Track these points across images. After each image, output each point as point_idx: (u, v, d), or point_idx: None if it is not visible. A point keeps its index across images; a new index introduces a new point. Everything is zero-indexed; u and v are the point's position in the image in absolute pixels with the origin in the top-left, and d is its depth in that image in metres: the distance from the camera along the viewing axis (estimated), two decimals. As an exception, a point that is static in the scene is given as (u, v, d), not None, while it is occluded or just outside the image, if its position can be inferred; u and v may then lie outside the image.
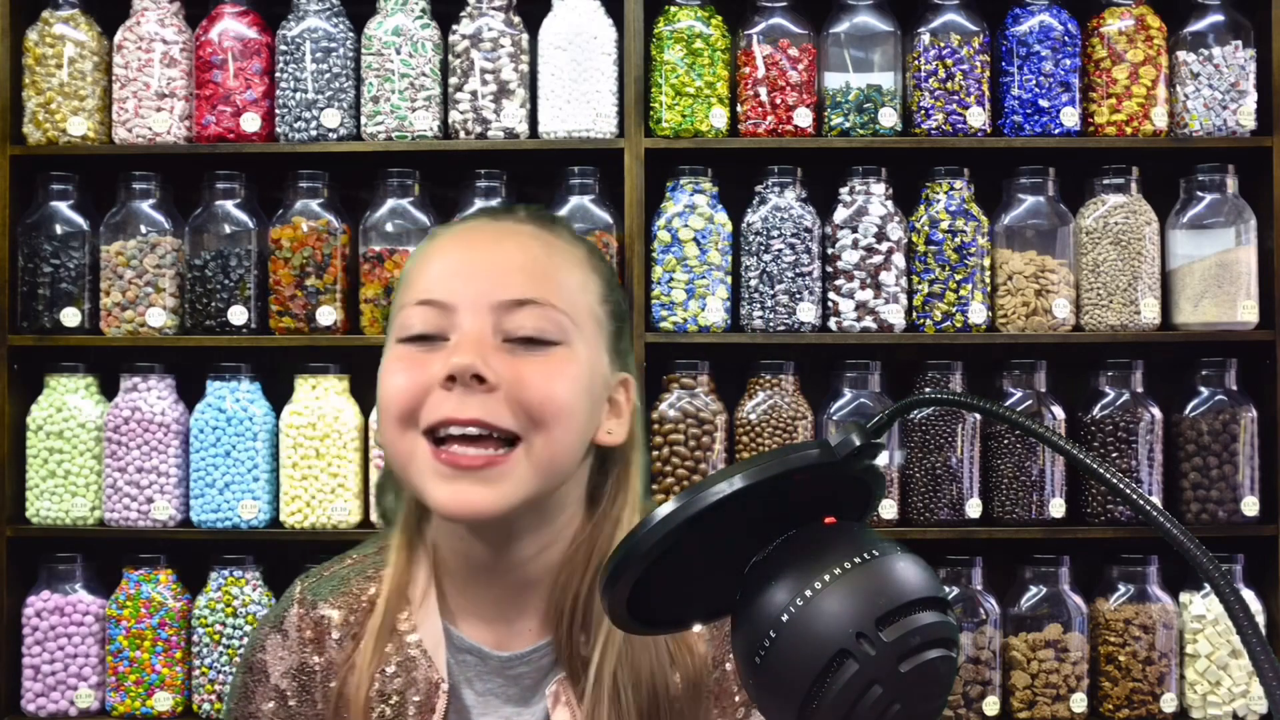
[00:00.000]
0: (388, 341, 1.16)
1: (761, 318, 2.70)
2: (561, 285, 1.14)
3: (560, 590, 1.15)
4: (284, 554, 2.75)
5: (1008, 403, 2.75)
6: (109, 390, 2.80)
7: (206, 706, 2.71)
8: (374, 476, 2.71)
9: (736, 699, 1.18)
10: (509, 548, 1.15)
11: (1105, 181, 2.75)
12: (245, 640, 2.39)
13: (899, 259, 2.72)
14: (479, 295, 1.11)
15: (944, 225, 2.72)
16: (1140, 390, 2.75)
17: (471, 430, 1.08)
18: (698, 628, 1.13)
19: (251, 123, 2.74)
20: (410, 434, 1.10)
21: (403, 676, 1.16)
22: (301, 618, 1.21)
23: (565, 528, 1.17)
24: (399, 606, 1.18)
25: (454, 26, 2.77)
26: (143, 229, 2.77)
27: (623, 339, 1.21)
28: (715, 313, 2.70)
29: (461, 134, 2.73)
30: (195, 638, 2.72)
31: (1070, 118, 2.72)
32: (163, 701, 2.70)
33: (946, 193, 2.74)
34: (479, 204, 2.72)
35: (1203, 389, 2.75)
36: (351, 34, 2.78)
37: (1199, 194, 2.77)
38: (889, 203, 2.74)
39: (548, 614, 1.17)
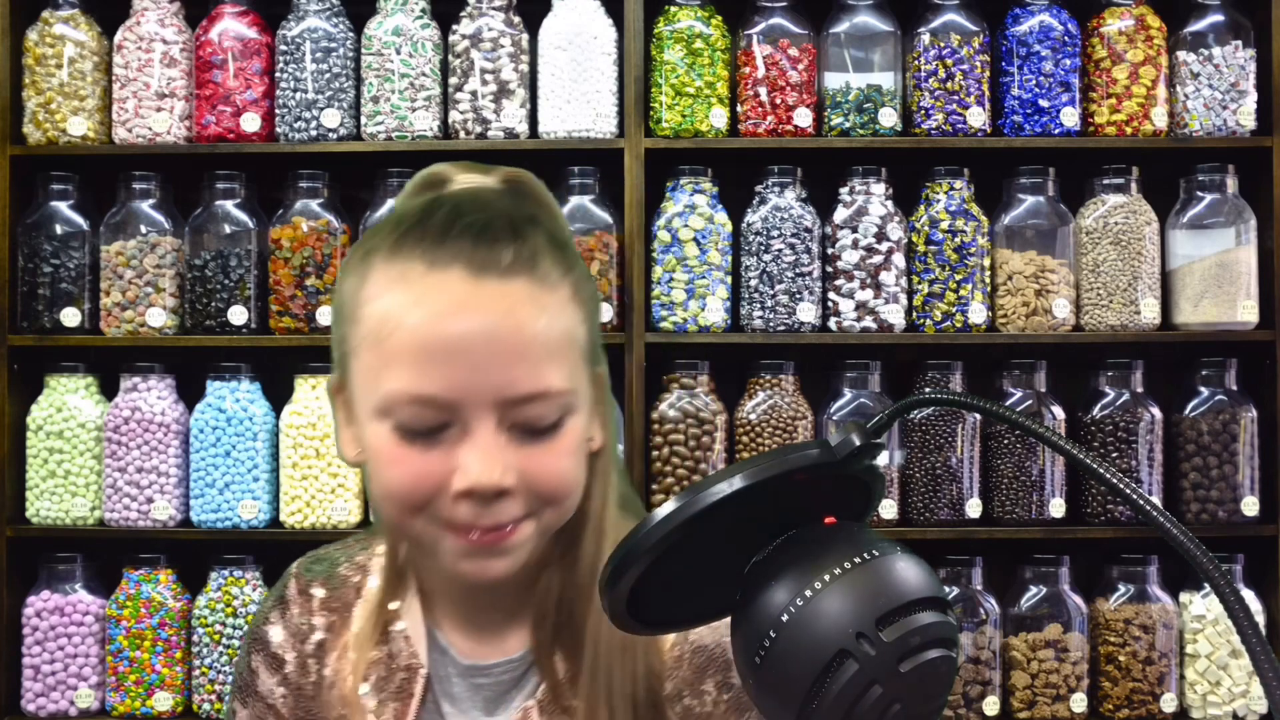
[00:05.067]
0: (358, 395, 1.08)
1: (761, 318, 2.70)
2: (559, 357, 1.06)
3: (541, 593, 1.14)
4: (284, 554, 2.72)
5: (1008, 403, 2.75)
6: (109, 390, 2.80)
7: (206, 706, 2.71)
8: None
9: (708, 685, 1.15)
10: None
11: (1105, 181, 2.75)
12: (243, 639, 2.39)
13: (899, 259, 2.72)
14: (483, 394, 1.03)
15: (944, 225, 2.72)
16: (1140, 390, 2.75)
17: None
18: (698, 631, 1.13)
19: (251, 123, 2.74)
20: (420, 519, 1.06)
21: (386, 661, 1.18)
22: (300, 591, 1.25)
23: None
24: (389, 596, 1.20)
25: (454, 26, 2.77)
26: (143, 229, 2.77)
27: (598, 336, 1.14)
28: (715, 313, 2.70)
29: (461, 134, 2.73)
30: (195, 638, 2.72)
31: (1070, 118, 2.72)
32: (163, 701, 2.70)
33: (946, 193, 2.74)
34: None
35: (1203, 389, 2.75)
36: (351, 34, 2.78)
37: (1199, 194, 2.77)
38: (889, 203, 2.74)
39: (527, 619, 1.16)
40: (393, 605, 1.20)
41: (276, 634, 1.24)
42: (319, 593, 1.24)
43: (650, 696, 1.13)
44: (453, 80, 2.75)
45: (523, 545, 1.07)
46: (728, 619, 0.81)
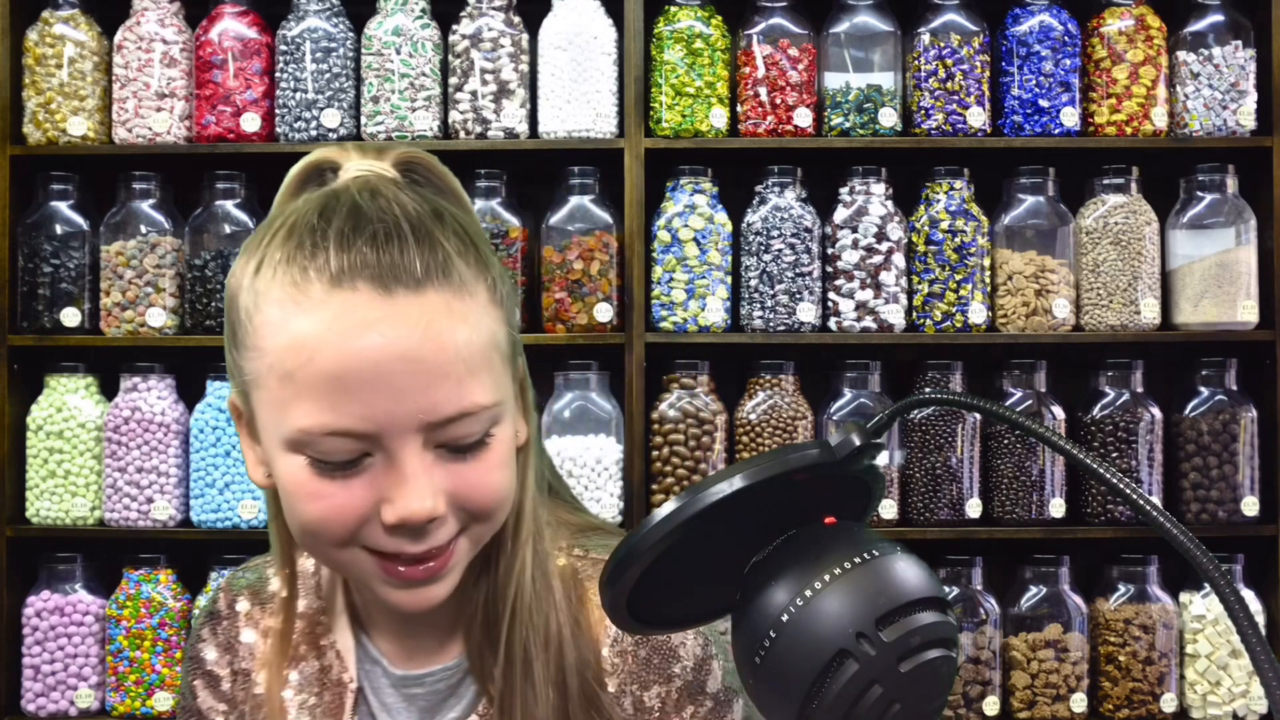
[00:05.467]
0: (262, 424, 1.00)
1: (761, 318, 2.70)
2: (480, 368, 0.98)
3: (469, 597, 1.10)
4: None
5: (1008, 403, 2.75)
6: (109, 390, 2.80)
7: (206, 706, 2.71)
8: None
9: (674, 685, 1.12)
10: None
11: (1105, 181, 2.75)
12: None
13: (899, 259, 2.72)
14: (407, 420, 0.94)
15: (944, 225, 2.72)
16: (1140, 390, 2.75)
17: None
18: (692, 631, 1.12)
19: (251, 123, 2.74)
20: (345, 551, 1.00)
21: (317, 675, 1.15)
22: (229, 605, 1.22)
23: None
24: (317, 609, 1.17)
25: (454, 26, 2.77)
26: (143, 229, 2.77)
27: (517, 332, 1.07)
28: (715, 313, 2.70)
29: (461, 134, 2.73)
30: (195, 638, 2.72)
31: (1070, 118, 2.72)
32: (163, 701, 2.70)
33: (946, 193, 2.74)
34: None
35: (1203, 389, 2.76)
36: (351, 34, 2.78)
37: (1199, 194, 2.77)
38: (889, 203, 2.74)
39: (457, 625, 1.12)
40: (320, 618, 1.16)
41: (210, 652, 1.21)
42: (245, 606, 1.21)
43: (584, 688, 1.09)
44: (453, 80, 2.75)
45: (457, 566, 1.02)
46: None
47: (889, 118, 2.72)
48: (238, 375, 1.02)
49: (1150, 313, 2.71)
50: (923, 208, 2.76)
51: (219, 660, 1.20)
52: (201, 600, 2.72)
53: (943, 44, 2.73)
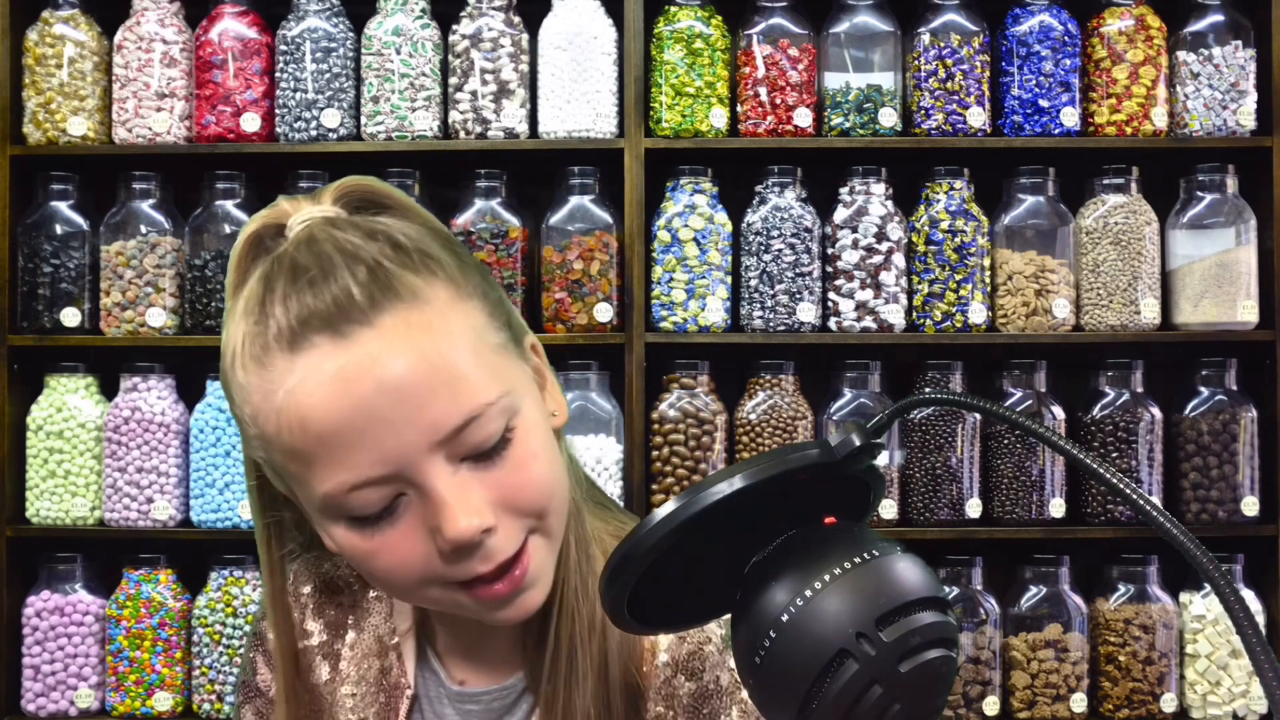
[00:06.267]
0: (302, 501, 0.99)
1: (761, 318, 2.70)
2: (469, 368, 0.95)
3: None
4: (284, 554, 2.74)
5: (1008, 403, 2.75)
6: (109, 390, 2.80)
7: (206, 706, 2.71)
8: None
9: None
10: None
11: (1105, 181, 2.75)
12: (245, 640, 2.40)
13: (899, 259, 2.72)
14: (418, 446, 0.93)
15: (944, 225, 2.72)
16: (1140, 390, 2.75)
17: None
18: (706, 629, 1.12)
19: (251, 123, 2.74)
20: (432, 589, 0.99)
21: (378, 676, 1.15)
22: (295, 592, 1.20)
23: None
24: (384, 614, 1.17)
25: (454, 26, 2.77)
26: (143, 229, 2.77)
27: (512, 316, 1.03)
28: (715, 313, 2.70)
29: (461, 134, 2.73)
30: (195, 638, 2.72)
31: (1070, 118, 2.72)
32: (163, 701, 2.70)
33: (946, 193, 2.74)
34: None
35: (1203, 389, 2.75)
36: (351, 34, 2.78)
37: (1199, 194, 2.77)
38: (889, 203, 2.74)
39: (517, 639, 1.12)
40: (392, 622, 1.17)
41: (265, 677, 1.22)
42: (312, 591, 1.20)
43: (625, 675, 1.09)
44: (453, 80, 2.75)
45: (541, 567, 1.00)
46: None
47: (889, 118, 2.72)
48: (272, 470, 1.01)
49: (1150, 313, 2.71)
50: (923, 208, 2.76)
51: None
52: (201, 600, 2.72)
53: (943, 44, 2.73)
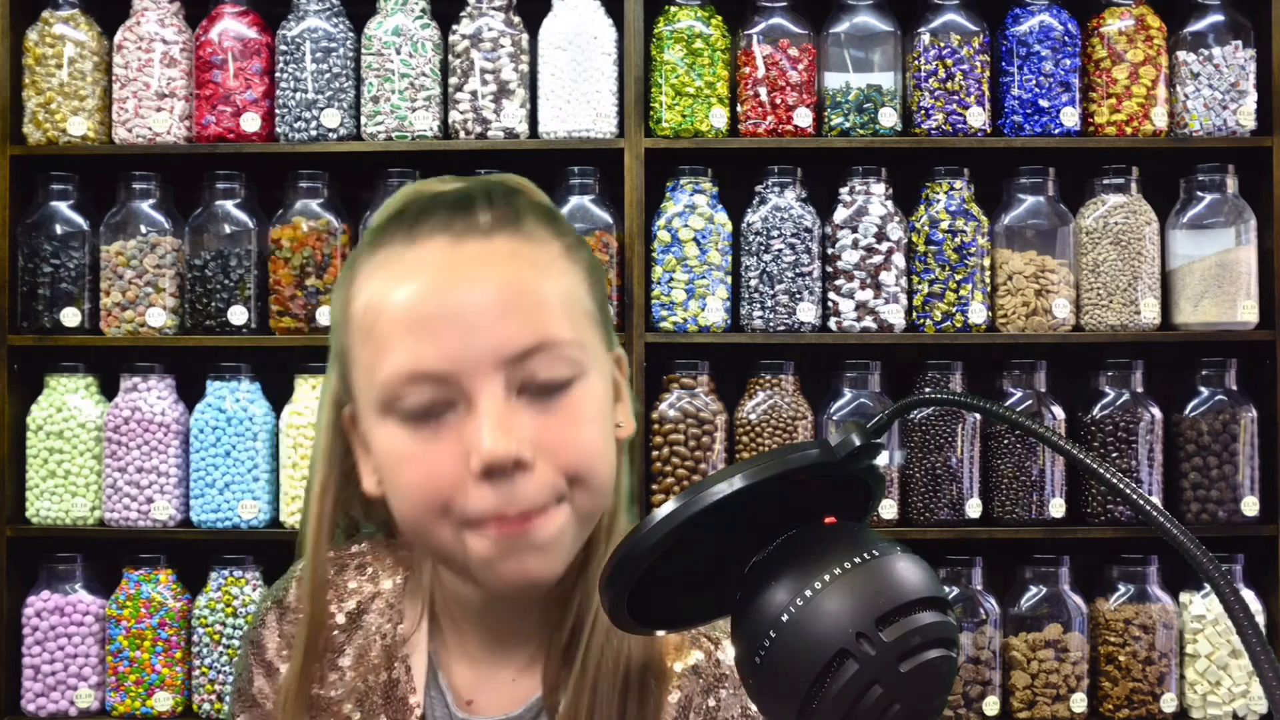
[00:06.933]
0: (359, 396, 1.02)
1: (761, 318, 2.70)
2: (558, 308, 0.99)
3: (554, 605, 1.07)
4: (284, 554, 2.71)
5: (1008, 403, 2.75)
6: (109, 390, 2.80)
7: (206, 706, 2.71)
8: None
9: None
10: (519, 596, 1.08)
11: (1105, 181, 2.75)
12: (241, 644, 2.38)
13: (899, 259, 2.72)
14: (481, 356, 0.95)
15: (944, 225, 2.72)
16: (1140, 390, 2.75)
17: None
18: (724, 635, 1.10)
19: (251, 123, 2.74)
20: (447, 524, 0.98)
21: (383, 688, 1.11)
22: (297, 599, 1.17)
23: None
24: (391, 618, 1.13)
25: (454, 26, 2.77)
26: (143, 229, 2.77)
27: (609, 319, 1.07)
28: (715, 313, 2.70)
29: (461, 134, 2.73)
30: (195, 638, 2.72)
31: (1070, 118, 2.72)
32: (163, 701, 2.70)
33: (946, 193, 2.74)
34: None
35: (1203, 389, 2.75)
36: (351, 34, 2.78)
37: (1199, 194, 2.77)
38: (889, 203, 2.74)
39: (535, 667, 1.09)
40: (401, 628, 1.12)
41: (272, 640, 1.17)
42: (335, 576, 1.17)
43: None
44: (453, 80, 2.75)
45: (559, 538, 0.98)
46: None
47: (889, 118, 2.72)
48: (341, 370, 1.04)
49: (1150, 313, 2.71)
50: (923, 208, 2.76)
51: (278, 652, 1.16)
52: (201, 600, 2.72)
53: (943, 44, 2.73)
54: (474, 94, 2.73)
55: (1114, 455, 2.72)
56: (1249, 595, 2.74)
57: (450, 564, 1.03)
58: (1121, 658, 2.69)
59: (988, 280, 2.74)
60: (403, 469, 0.98)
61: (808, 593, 0.75)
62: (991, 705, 2.68)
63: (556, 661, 1.07)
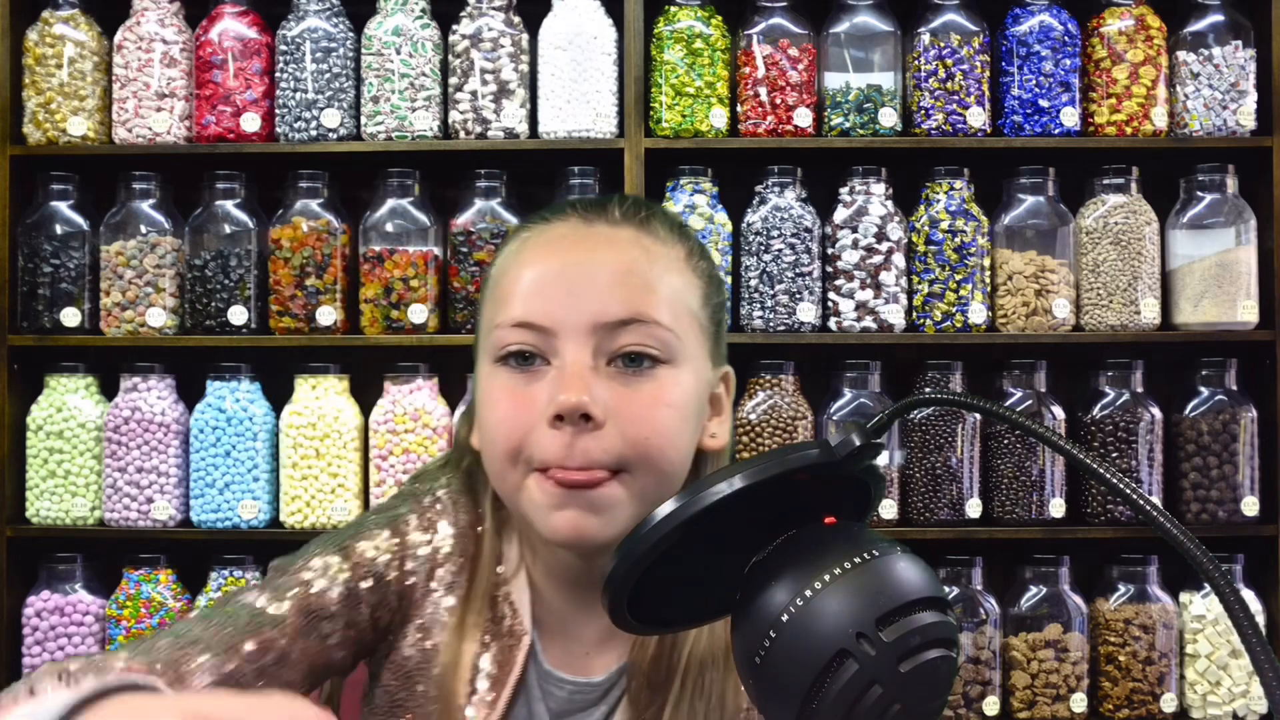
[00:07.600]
0: (480, 353, 1.13)
1: (761, 318, 2.70)
2: (663, 297, 1.09)
3: None
4: (284, 554, 2.74)
5: (1008, 403, 2.75)
6: (109, 390, 2.80)
7: (206, 706, 2.70)
8: (374, 476, 2.71)
9: None
10: (598, 560, 1.10)
11: (1105, 181, 2.75)
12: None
13: (899, 259, 2.72)
14: (579, 317, 1.06)
15: (944, 225, 2.72)
16: (1140, 390, 2.75)
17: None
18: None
19: (251, 123, 2.74)
20: (518, 468, 1.07)
21: (490, 625, 1.15)
22: (415, 525, 1.18)
23: None
24: (494, 564, 1.16)
25: (454, 26, 2.77)
26: (143, 229, 2.77)
27: (722, 335, 1.19)
28: (715, 313, 2.70)
29: (461, 134, 2.73)
30: (195, 638, 2.71)
31: (1070, 118, 2.72)
32: (163, 701, 2.70)
33: (946, 193, 2.74)
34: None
35: (1203, 389, 2.75)
36: (351, 34, 2.78)
37: (1199, 194, 2.77)
38: (889, 203, 2.74)
39: (619, 645, 1.13)
40: (500, 568, 1.16)
41: (368, 550, 1.18)
42: (443, 537, 1.18)
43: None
44: (453, 80, 2.75)
45: (615, 508, 1.05)
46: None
47: (889, 118, 2.72)
48: (476, 334, 1.15)
49: (1150, 313, 2.71)
50: (923, 208, 2.76)
51: (370, 577, 1.16)
52: (201, 600, 2.72)
53: (943, 44, 2.73)
54: (474, 94, 2.73)
55: (1114, 455, 2.72)
56: (1249, 595, 2.73)
57: (516, 509, 1.11)
58: (1121, 658, 2.69)
59: (988, 280, 2.74)
60: (491, 408, 1.09)
61: (808, 593, 0.75)
62: (991, 705, 2.68)
63: (645, 655, 1.10)
